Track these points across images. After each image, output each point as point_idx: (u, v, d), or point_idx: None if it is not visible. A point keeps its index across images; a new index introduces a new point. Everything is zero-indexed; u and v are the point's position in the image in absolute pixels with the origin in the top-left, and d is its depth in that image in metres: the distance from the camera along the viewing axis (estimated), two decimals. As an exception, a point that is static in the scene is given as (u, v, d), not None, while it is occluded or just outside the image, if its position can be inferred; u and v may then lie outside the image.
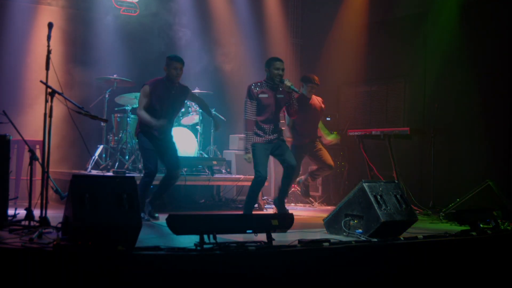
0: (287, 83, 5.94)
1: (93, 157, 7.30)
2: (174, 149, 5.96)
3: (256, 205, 7.71)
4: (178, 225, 3.78)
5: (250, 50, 9.45)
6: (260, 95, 5.98)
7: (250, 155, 6.06)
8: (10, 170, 4.60)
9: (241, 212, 7.22)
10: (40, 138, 4.77)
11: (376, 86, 9.02)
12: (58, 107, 4.69)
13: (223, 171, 7.91)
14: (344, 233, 4.78)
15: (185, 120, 7.74)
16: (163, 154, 5.86)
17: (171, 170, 5.85)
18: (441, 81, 7.96)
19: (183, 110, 7.57)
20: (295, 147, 6.78)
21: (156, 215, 5.79)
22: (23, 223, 4.46)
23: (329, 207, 8.00)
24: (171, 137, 6.03)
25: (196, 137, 7.76)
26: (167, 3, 8.80)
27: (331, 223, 5.00)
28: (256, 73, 9.22)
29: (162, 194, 6.00)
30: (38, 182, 6.06)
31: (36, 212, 4.50)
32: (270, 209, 7.22)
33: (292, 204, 8.28)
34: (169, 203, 7.09)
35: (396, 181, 5.13)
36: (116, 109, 7.75)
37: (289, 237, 4.25)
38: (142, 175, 6.73)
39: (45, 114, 4.52)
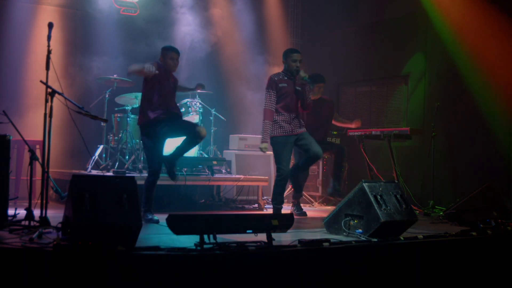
0: (302, 74, 6.01)
1: (93, 157, 7.30)
2: (183, 121, 5.93)
3: (256, 205, 7.73)
4: (178, 225, 3.78)
5: (251, 50, 9.46)
6: (280, 84, 6.06)
7: (266, 145, 6.11)
8: (10, 170, 4.60)
9: (241, 212, 7.23)
10: (40, 138, 4.77)
11: (376, 86, 9.02)
12: (58, 107, 4.68)
13: (223, 171, 7.91)
14: (344, 233, 4.77)
15: (185, 120, 7.74)
16: (176, 131, 5.79)
17: (191, 132, 5.68)
18: (441, 81, 7.96)
19: (183, 110, 7.57)
20: None
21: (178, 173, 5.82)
22: (23, 223, 4.45)
23: (329, 207, 8.01)
24: (177, 117, 5.86)
25: (196, 137, 7.76)
26: (167, 3, 8.81)
27: (331, 223, 5.00)
28: (256, 73, 9.25)
29: (182, 154, 5.80)
30: (38, 182, 6.06)
31: (36, 212, 4.50)
32: (270, 209, 7.21)
33: (291, 204, 8.27)
34: (169, 203, 7.10)
35: (396, 181, 5.13)
36: (116, 109, 7.75)
37: (289, 237, 4.25)
38: (140, 174, 6.76)
39: (45, 114, 4.52)
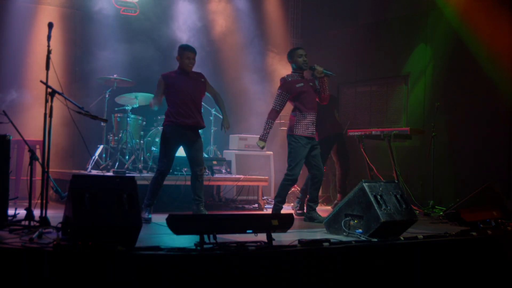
0: (319, 68, 5.97)
1: (93, 157, 7.30)
2: (197, 149, 5.83)
3: (256, 205, 7.73)
4: (178, 225, 3.78)
5: (251, 50, 9.46)
6: (297, 85, 6.02)
7: (264, 144, 6.11)
8: (10, 170, 4.60)
9: (240, 212, 7.22)
10: (40, 138, 4.77)
11: (376, 86, 9.01)
12: (58, 107, 4.68)
13: (223, 171, 7.91)
14: (344, 233, 4.78)
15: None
16: (188, 150, 5.82)
17: (191, 167, 5.81)
18: (441, 81, 7.96)
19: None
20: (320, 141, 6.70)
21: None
22: (23, 223, 4.46)
23: (329, 207, 8.01)
24: (198, 135, 5.89)
25: (196, 137, 7.76)
26: (167, 3, 8.81)
27: (331, 223, 5.00)
28: (256, 73, 9.25)
29: (198, 195, 5.84)
30: (38, 182, 6.06)
31: (36, 212, 4.50)
32: (270, 209, 7.22)
33: (292, 204, 8.27)
34: (169, 203, 7.09)
35: (396, 181, 5.13)
36: (116, 109, 7.75)
37: (289, 237, 4.25)
38: (140, 174, 6.75)
39: (45, 114, 4.52)
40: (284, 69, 8.48)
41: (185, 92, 5.71)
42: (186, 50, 5.78)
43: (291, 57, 6.12)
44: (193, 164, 5.80)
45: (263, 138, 6.10)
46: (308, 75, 6.37)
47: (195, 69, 5.93)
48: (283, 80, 6.08)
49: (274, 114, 6.09)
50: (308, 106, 6.01)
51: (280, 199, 6.09)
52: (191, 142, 5.78)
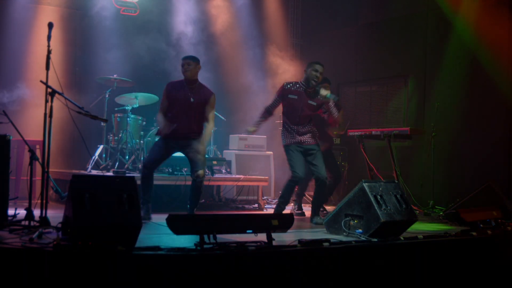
0: (322, 92, 5.94)
1: (93, 157, 7.30)
2: (191, 150, 5.73)
3: (256, 205, 7.73)
4: (178, 225, 3.78)
5: (250, 50, 9.46)
6: (290, 95, 6.00)
7: (253, 128, 6.15)
8: (10, 170, 4.60)
9: (240, 212, 7.23)
10: (40, 138, 4.77)
11: (376, 86, 9.02)
12: (58, 107, 4.68)
13: (223, 171, 7.91)
14: (344, 233, 4.78)
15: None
16: (185, 154, 5.84)
17: (192, 173, 5.77)
18: (441, 81, 7.96)
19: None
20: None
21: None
22: (23, 223, 4.45)
23: (329, 207, 8.00)
24: (194, 143, 5.76)
25: (196, 137, 7.76)
26: (167, 3, 8.81)
27: (331, 223, 5.00)
28: (256, 73, 9.25)
29: (191, 205, 5.81)
30: (38, 182, 6.05)
31: (36, 212, 4.50)
32: (270, 209, 7.22)
33: (292, 204, 8.27)
34: (169, 203, 7.09)
35: (396, 181, 5.13)
36: (116, 109, 7.75)
37: (289, 237, 4.25)
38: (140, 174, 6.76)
39: (45, 114, 4.52)
40: (284, 71, 8.50)
41: (182, 100, 5.73)
42: (182, 60, 5.85)
43: (308, 67, 6.08)
44: (191, 167, 5.80)
45: (253, 124, 6.17)
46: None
47: (201, 73, 5.95)
48: (282, 86, 6.10)
49: (263, 111, 6.16)
50: (291, 120, 6.02)
51: (283, 200, 6.08)
52: (184, 147, 5.77)
